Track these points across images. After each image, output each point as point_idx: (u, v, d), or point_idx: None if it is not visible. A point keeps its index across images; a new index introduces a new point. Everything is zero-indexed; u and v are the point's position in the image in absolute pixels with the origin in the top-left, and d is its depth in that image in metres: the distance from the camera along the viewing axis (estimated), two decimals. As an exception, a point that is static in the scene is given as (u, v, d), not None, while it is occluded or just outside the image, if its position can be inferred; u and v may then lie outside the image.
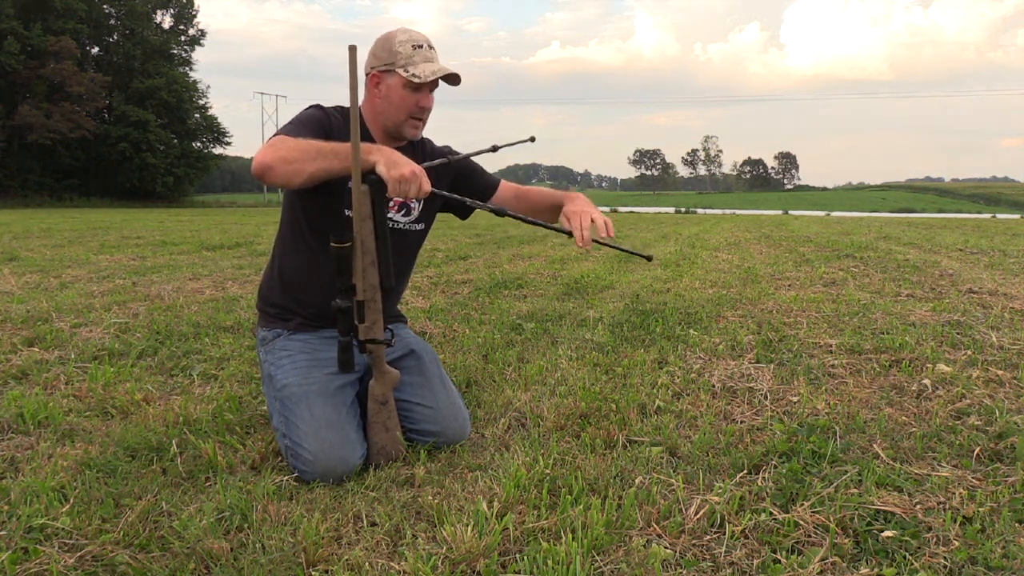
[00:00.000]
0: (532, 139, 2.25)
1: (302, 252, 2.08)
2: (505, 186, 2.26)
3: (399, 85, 1.98)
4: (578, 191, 2.28)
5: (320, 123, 1.98)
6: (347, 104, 2.07)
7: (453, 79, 2.02)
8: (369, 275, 1.84)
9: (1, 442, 2.04)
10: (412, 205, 2.14)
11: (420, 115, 2.04)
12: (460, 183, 2.20)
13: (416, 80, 1.96)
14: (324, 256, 2.01)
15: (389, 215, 2.08)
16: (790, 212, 36.69)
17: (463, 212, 2.26)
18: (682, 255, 8.07)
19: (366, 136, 2.06)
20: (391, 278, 1.89)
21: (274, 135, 1.91)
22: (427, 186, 1.82)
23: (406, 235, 2.16)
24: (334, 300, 1.85)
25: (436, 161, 2.09)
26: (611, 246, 2.16)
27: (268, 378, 2.03)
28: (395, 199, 1.99)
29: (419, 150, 2.17)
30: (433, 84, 2.02)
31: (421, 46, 1.99)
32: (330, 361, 2.00)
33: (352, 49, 1.73)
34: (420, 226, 2.20)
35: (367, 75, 2.04)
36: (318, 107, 2.05)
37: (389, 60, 1.98)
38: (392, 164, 1.79)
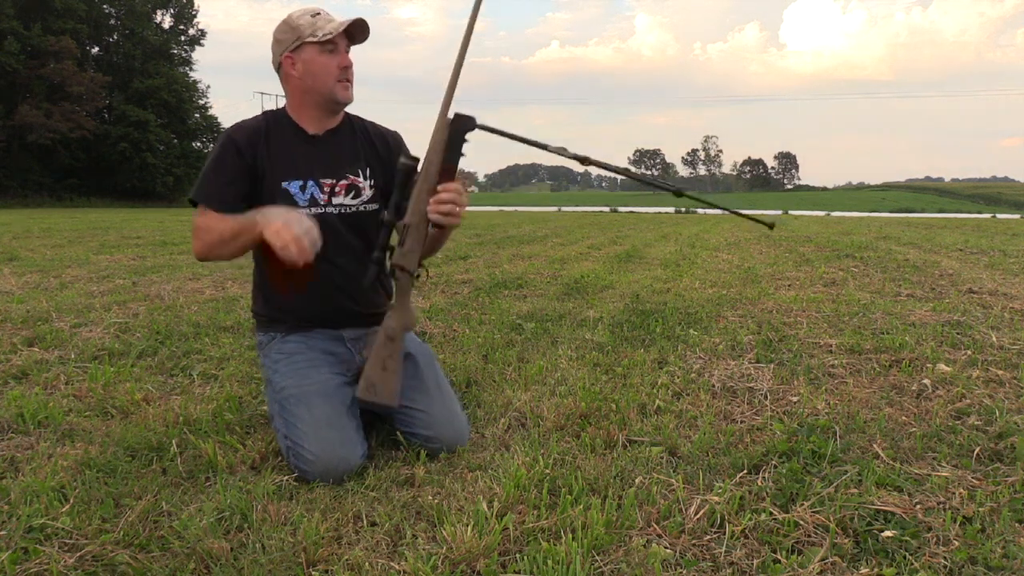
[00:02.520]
0: (680, 194, 2.03)
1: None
2: None
3: (314, 53, 2.00)
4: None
5: (234, 162, 2.00)
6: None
7: (361, 28, 2.03)
8: (422, 203, 1.83)
9: (1, 442, 2.04)
10: (360, 185, 2.10)
11: (345, 75, 2.05)
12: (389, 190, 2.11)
13: (327, 37, 1.98)
14: None
15: (338, 199, 2.08)
16: (790, 212, 36.68)
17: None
18: (682, 255, 8.07)
19: (297, 126, 2.07)
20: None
21: (195, 195, 2.01)
22: (306, 242, 1.81)
23: (360, 216, 2.11)
24: (381, 213, 1.91)
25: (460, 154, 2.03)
26: (732, 212, 2.08)
27: (268, 382, 2.04)
28: (340, 183, 2.07)
29: (358, 129, 2.16)
30: (346, 43, 2.04)
31: (318, 13, 2.03)
32: (328, 360, 2.01)
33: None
34: (375, 206, 2.13)
35: (279, 65, 2.06)
36: (229, 139, 2.03)
37: (294, 37, 2.00)
38: (275, 234, 1.80)
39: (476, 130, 1.85)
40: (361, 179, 2.11)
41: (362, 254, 2.08)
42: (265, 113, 2.12)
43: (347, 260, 2.07)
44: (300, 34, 1.99)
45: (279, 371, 2.00)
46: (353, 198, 2.09)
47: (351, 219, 2.08)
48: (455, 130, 1.82)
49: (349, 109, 2.15)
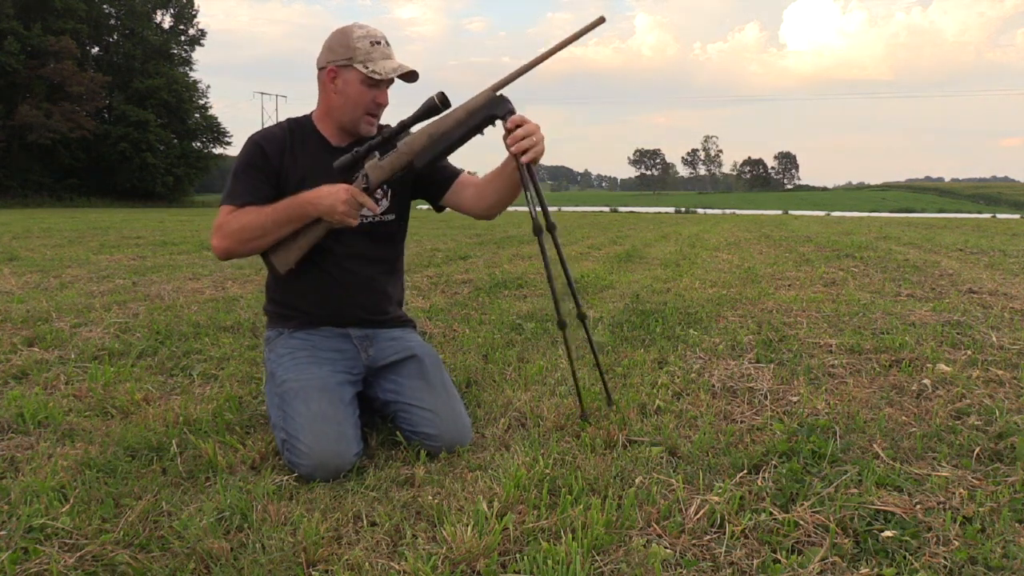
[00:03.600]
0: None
1: None
2: (466, 179, 2.18)
3: (357, 81, 1.99)
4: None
5: (261, 165, 2.02)
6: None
7: (411, 76, 2.03)
8: (417, 139, 1.91)
9: (1, 442, 2.04)
10: (378, 196, 2.11)
11: (376, 111, 2.05)
12: (420, 175, 2.14)
13: (376, 77, 1.96)
14: (314, 260, 2.04)
15: None
16: (790, 212, 36.67)
17: (436, 198, 2.21)
18: (682, 255, 8.07)
19: (321, 136, 2.09)
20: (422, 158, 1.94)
21: (224, 200, 2.01)
22: (361, 204, 1.93)
23: (376, 226, 2.13)
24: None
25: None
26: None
27: (271, 376, 2.04)
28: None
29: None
30: (390, 80, 2.03)
31: (379, 42, 1.99)
32: (332, 358, 2.04)
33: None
34: (391, 216, 2.17)
35: (321, 69, 2.04)
36: (255, 143, 2.05)
37: (347, 55, 1.97)
38: (329, 212, 1.90)
39: (505, 119, 1.88)
40: (379, 191, 2.10)
41: (376, 261, 2.14)
42: (288, 121, 2.12)
43: (361, 266, 2.11)
44: (353, 55, 1.97)
45: (283, 365, 2.02)
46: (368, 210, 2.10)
47: (366, 228, 2.10)
48: (489, 105, 1.86)
49: None
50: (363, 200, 1.92)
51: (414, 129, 1.93)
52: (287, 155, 2.05)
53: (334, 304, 2.10)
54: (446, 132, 1.89)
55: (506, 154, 1.96)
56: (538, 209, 1.93)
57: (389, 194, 2.14)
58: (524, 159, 1.88)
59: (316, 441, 1.80)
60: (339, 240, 2.04)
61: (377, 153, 1.94)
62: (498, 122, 1.90)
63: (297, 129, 2.09)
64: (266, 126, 2.15)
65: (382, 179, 1.94)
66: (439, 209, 2.25)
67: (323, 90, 2.05)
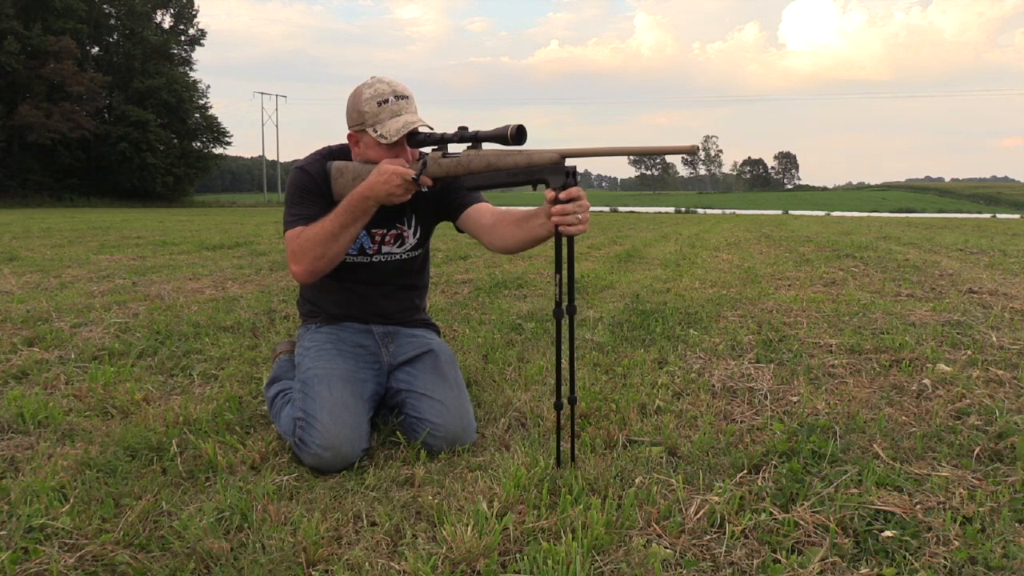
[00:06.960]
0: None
1: None
2: (484, 207, 2.13)
3: (374, 144, 1.99)
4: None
5: (315, 190, 2.04)
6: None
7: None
8: (441, 163, 1.89)
9: (1, 442, 2.04)
10: (406, 234, 2.19)
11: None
12: (441, 196, 2.15)
13: (384, 141, 1.95)
14: (342, 279, 2.13)
15: (386, 248, 2.16)
16: (790, 212, 36.66)
17: (453, 220, 2.19)
18: (682, 255, 8.07)
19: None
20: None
21: (286, 229, 2.02)
22: (404, 178, 1.87)
23: (405, 263, 2.22)
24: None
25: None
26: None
27: (297, 365, 2.13)
28: (389, 233, 2.14)
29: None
30: (413, 132, 1.97)
31: (386, 100, 1.96)
32: (356, 353, 2.12)
33: None
34: (419, 252, 2.25)
35: (348, 134, 2.07)
36: (304, 170, 2.07)
37: (359, 120, 1.99)
38: (387, 198, 1.89)
39: (558, 188, 1.73)
40: (406, 227, 2.18)
41: (403, 285, 2.25)
42: (331, 151, 2.12)
43: (389, 288, 2.22)
44: (364, 120, 1.98)
45: (309, 355, 2.10)
46: (399, 247, 2.19)
47: (394, 265, 2.19)
48: (549, 169, 1.73)
49: None
50: (408, 175, 1.87)
51: (485, 146, 1.86)
52: (326, 187, 2.06)
53: (360, 311, 2.21)
54: (500, 169, 1.82)
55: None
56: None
57: (418, 231, 2.21)
58: (563, 231, 1.73)
59: (333, 424, 1.85)
60: (369, 271, 2.15)
61: (445, 149, 1.91)
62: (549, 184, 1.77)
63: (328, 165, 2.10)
64: (309, 154, 2.14)
65: (435, 176, 1.91)
66: (459, 231, 2.22)
67: (353, 150, 2.08)
